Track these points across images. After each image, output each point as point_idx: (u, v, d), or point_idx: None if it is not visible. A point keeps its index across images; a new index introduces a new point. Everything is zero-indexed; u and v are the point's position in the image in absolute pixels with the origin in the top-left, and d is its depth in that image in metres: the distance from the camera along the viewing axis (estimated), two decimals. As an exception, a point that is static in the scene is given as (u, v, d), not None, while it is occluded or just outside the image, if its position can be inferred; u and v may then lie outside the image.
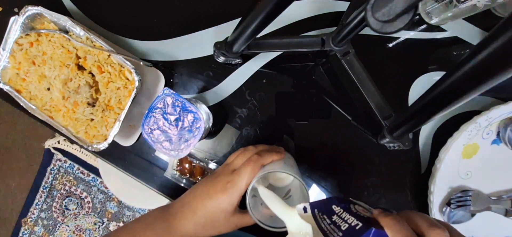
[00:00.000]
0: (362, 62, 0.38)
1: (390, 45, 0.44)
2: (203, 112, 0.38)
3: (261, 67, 0.45)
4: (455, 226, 0.39)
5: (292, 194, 0.36)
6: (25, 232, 1.31)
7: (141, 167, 0.46)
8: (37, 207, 1.31)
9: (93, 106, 0.42)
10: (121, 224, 1.28)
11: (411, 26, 0.43)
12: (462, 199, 0.39)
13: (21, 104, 0.42)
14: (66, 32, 0.42)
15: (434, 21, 0.42)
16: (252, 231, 0.44)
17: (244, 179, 0.32)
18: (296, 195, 0.35)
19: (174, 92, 0.36)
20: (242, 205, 0.33)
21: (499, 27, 0.18)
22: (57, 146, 1.28)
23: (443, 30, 0.43)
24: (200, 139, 0.37)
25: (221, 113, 0.45)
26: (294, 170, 0.33)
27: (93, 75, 0.42)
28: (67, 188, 1.30)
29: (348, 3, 0.44)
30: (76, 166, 1.30)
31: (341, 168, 0.44)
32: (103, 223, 1.30)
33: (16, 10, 0.48)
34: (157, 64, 0.46)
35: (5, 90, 0.43)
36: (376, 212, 0.25)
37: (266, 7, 0.26)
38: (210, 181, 0.35)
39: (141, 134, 0.45)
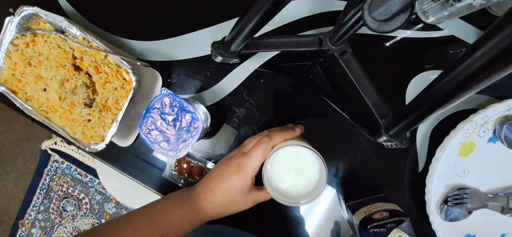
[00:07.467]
0: (359, 62, 0.39)
1: (387, 44, 0.44)
2: (201, 112, 0.38)
3: (258, 67, 0.45)
4: (452, 223, 0.40)
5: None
6: (23, 234, 1.30)
7: (139, 167, 0.46)
8: (34, 208, 1.30)
9: (90, 107, 0.42)
10: (119, 225, 1.27)
11: (407, 25, 0.44)
12: (459, 197, 0.39)
13: (17, 105, 0.42)
14: (62, 32, 0.41)
15: (430, 20, 0.42)
16: (253, 230, 0.44)
17: (255, 160, 0.34)
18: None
19: (171, 92, 0.36)
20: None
21: (495, 26, 0.19)
22: (54, 147, 1.27)
23: (440, 29, 0.44)
24: (198, 139, 0.37)
25: (219, 113, 0.45)
26: (295, 141, 0.34)
27: (90, 75, 0.42)
28: (64, 189, 1.29)
29: (345, 3, 0.44)
30: (73, 167, 1.29)
31: (339, 167, 0.44)
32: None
33: (11, 10, 0.47)
34: (154, 64, 0.46)
35: (0, 91, 0.42)
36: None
37: (263, 7, 0.26)
38: (225, 164, 0.37)
39: (138, 134, 0.44)
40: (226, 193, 0.35)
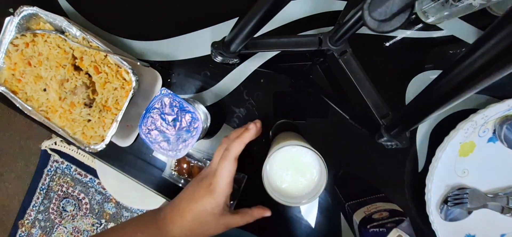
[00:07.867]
0: (359, 62, 0.39)
1: (387, 44, 0.44)
2: (201, 113, 0.38)
3: (258, 67, 0.45)
4: (452, 223, 0.40)
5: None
6: (22, 234, 1.30)
7: (139, 167, 0.46)
8: (34, 208, 1.30)
9: (90, 107, 0.42)
10: (119, 225, 1.26)
11: (407, 25, 0.44)
12: (459, 197, 0.39)
13: (17, 105, 0.42)
14: (62, 32, 0.41)
15: (430, 20, 0.42)
16: (253, 230, 0.44)
17: (223, 178, 0.33)
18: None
19: (171, 92, 0.36)
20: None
21: (495, 26, 0.19)
22: (53, 147, 1.27)
23: (439, 29, 0.44)
24: (198, 139, 0.37)
25: (219, 113, 0.45)
26: (294, 141, 0.33)
27: (89, 75, 0.42)
28: (64, 189, 1.29)
29: (345, 3, 0.44)
30: (73, 167, 1.29)
31: (338, 167, 0.44)
32: (101, 224, 1.29)
33: (11, 10, 0.47)
34: (154, 65, 0.46)
35: (0, 91, 0.42)
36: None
37: (263, 7, 0.26)
38: (196, 183, 0.35)
39: (138, 134, 0.44)
40: (197, 215, 0.33)
